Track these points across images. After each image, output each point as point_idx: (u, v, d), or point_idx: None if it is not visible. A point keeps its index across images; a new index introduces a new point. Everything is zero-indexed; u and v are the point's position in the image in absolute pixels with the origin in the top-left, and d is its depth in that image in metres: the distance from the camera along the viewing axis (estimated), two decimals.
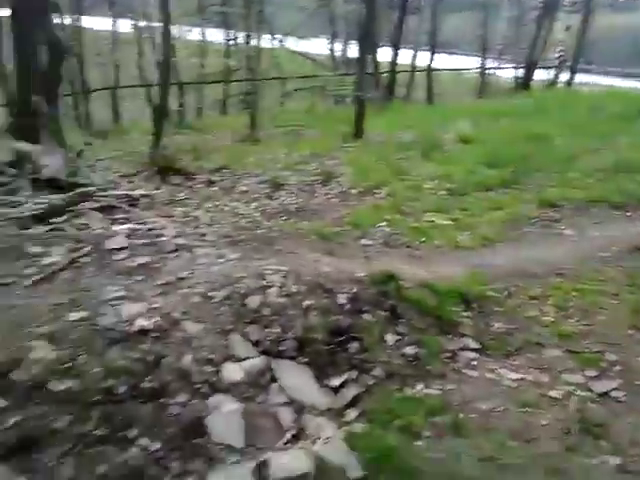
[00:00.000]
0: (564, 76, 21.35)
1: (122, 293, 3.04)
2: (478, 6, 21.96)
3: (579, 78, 24.32)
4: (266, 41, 16.43)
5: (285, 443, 2.59)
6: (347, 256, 4.34)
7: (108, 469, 2.31)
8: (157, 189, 6.80)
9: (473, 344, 3.40)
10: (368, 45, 12.35)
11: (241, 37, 18.53)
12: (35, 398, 2.46)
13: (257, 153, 9.72)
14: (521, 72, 20.12)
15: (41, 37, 5.91)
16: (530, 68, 19.94)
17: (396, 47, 17.10)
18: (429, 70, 19.00)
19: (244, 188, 7.36)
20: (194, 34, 18.39)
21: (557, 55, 21.08)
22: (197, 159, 9.20)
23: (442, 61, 23.64)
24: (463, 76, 23.11)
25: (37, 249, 3.61)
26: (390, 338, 3.25)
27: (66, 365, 2.56)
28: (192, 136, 12.47)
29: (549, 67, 21.73)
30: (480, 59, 20.90)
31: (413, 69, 19.33)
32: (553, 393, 2.95)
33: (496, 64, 22.89)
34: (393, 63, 17.14)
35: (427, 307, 3.56)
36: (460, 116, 12.07)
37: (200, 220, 5.52)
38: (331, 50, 20.79)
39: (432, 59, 19.12)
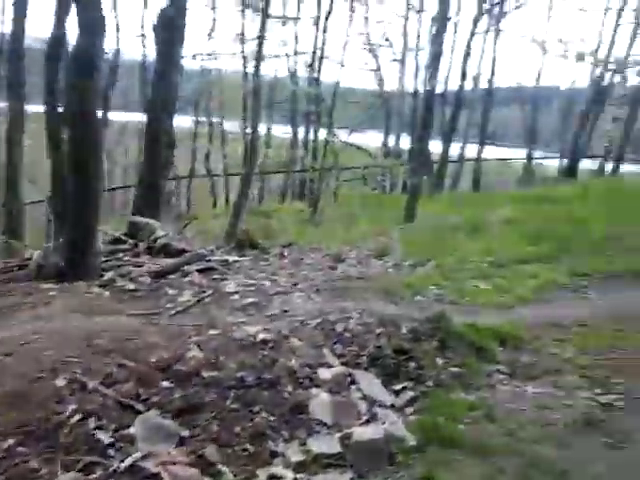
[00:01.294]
0: (610, 166, 22.30)
1: (243, 319, 4.21)
2: (527, 99, 23.32)
3: (628, 168, 25.26)
4: (325, 134, 18.28)
5: (361, 424, 3.60)
6: (406, 306, 5.43)
7: (240, 430, 3.37)
8: (241, 257, 8.13)
9: (504, 369, 4.38)
10: (423, 137, 13.80)
11: (303, 131, 20.64)
12: (192, 382, 3.59)
13: (319, 233, 11.03)
14: (566, 161, 21.16)
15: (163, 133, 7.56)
16: (575, 157, 20.95)
17: (447, 139, 18.60)
18: (477, 160, 20.33)
19: (310, 260, 8.57)
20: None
21: (604, 145, 22.15)
22: (268, 237, 10.57)
23: (490, 152, 25.07)
24: (509, 166, 24.35)
25: (173, 291, 4.86)
26: (440, 360, 4.27)
27: (212, 361, 3.71)
28: (259, 219, 13.98)
29: (595, 157, 22.74)
30: (527, 149, 22.10)
31: (462, 159, 20.71)
32: (566, 401, 3.87)
33: (543, 154, 24.01)
34: (444, 153, 18.57)
35: (470, 341, 4.58)
36: (504, 202, 13.22)
37: (281, 282, 6.72)
38: (384, 142, 22.49)
39: (480, 150, 20.48)
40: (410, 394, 3.92)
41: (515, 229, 10.06)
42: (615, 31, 19.85)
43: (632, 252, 8.31)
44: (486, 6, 18.52)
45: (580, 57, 19.64)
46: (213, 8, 19.50)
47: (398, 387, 3.97)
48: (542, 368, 4.45)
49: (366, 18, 20.62)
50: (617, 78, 20.63)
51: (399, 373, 4.08)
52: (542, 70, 20.59)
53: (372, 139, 23.86)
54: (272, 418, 3.46)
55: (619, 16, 19.71)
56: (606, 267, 7.45)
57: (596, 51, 19.86)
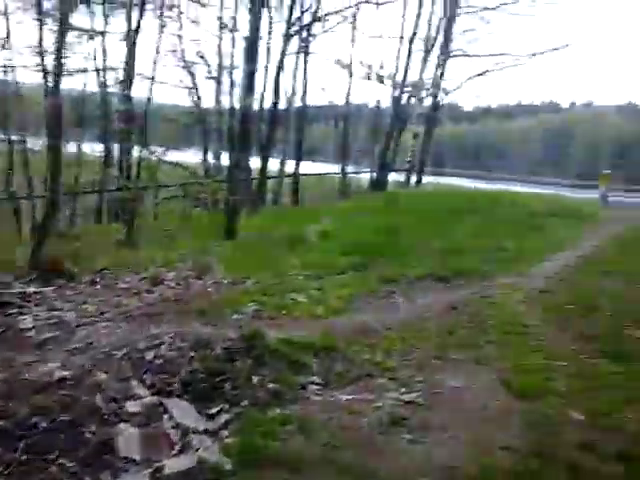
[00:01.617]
0: (417, 177, 24.41)
1: (38, 357, 3.81)
2: (339, 117, 24.60)
3: (431, 178, 27.75)
4: (140, 152, 17.63)
5: (174, 455, 3.43)
6: (222, 326, 5.34)
7: None
8: (45, 287, 7.42)
9: (319, 380, 4.47)
10: (240, 154, 13.82)
11: (117, 148, 19.67)
12: None
13: (136, 255, 10.51)
14: (376, 175, 22.68)
15: None
16: (384, 171, 22.56)
17: (265, 156, 18.91)
18: (295, 175, 20.92)
19: (125, 285, 8.09)
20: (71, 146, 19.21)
21: (408, 159, 24.17)
22: (78, 262, 9.81)
23: (307, 167, 25.95)
24: (326, 180, 25.44)
25: None
26: (255, 378, 4.24)
27: None
28: (69, 243, 12.97)
29: (402, 170, 24.68)
30: (340, 164, 23.24)
31: (281, 175, 21.20)
32: (375, 404, 4.05)
33: (355, 168, 25.42)
34: (263, 170, 18.84)
35: (285, 355, 4.61)
36: (322, 215, 13.74)
37: (89, 311, 6.25)
38: (204, 159, 22.23)
39: (298, 165, 21.12)
40: (225, 417, 3.83)
41: (331, 241, 10.48)
42: (409, 57, 21.86)
43: (435, 256, 9.10)
44: (295, 28, 19.22)
45: (380, 79, 21.28)
46: (6, 14, 17.80)
47: (213, 411, 3.86)
48: (354, 374, 4.63)
49: (179, 36, 20.26)
50: (413, 99, 22.68)
51: (214, 396, 3.98)
52: (351, 90, 21.86)
53: (192, 156, 23.50)
54: (71, 464, 3.17)
55: (411, 43, 21.71)
56: (412, 271, 8.04)
57: (394, 74, 21.66)
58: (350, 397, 4.20)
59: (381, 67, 21.70)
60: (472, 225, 11.90)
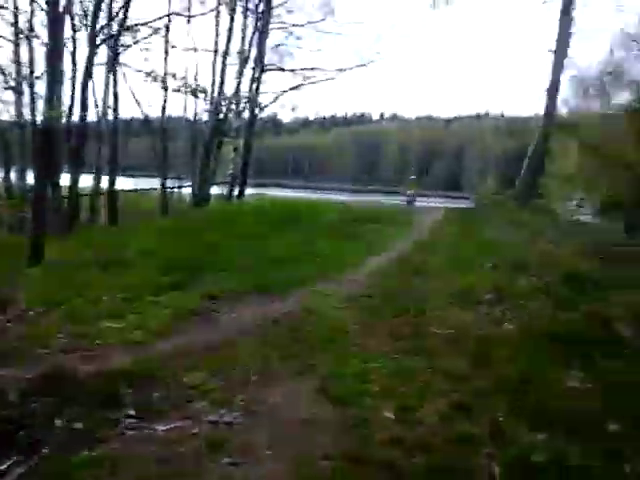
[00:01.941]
0: (239, 190, 24.42)
1: None
2: (156, 131, 23.74)
3: (255, 190, 27.98)
4: None
5: None
6: (22, 366, 4.79)
7: None
8: None
9: (134, 412, 4.18)
10: (46, 170, 12.69)
11: None
12: None
13: None
14: (197, 189, 22.30)
15: None
16: (206, 185, 22.29)
17: (75, 172, 17.59)
18: (111, 192, 19.77)
19: None
20: None
21: (229, 172, 24.12)
22: None
23: (126, 183, 24.74)
24: (146, 196, 24.51)
25: None
26: (58, 421, 3.84)
27: None
28: None
29: (223, 183, 24.58)
30: (160, 179, 22.47)
31: (94, 192, 19.94)
32: (192, 430, 3.89)
33: (177, 183, 24.78)
34: (72, 187, 17.52)
35: (96, 390, 4.25)
36: (142, 233, 13.15)
37: None
38: (5, 177, 20.18)
39: (113, 182, 19.97)
40: (19, 471, 3.39)
41: (151, 259, 10.02)
42: (223, 70, 21.92)
43: (257, 269, 9.12)
44: (102, 37, 18.25)
45: (194, 93, 21.04)
46: None
47: (3, 467, 3.40)
48: (173, 401, 4.40)
49: None
50: (231, 113, 22.74)
51: (4, 449, 3.52)
52: (167, 103, 21.25)
53: None
54: None
55: (225, 57, 21.79)
56: (234, 286, 7.97)
57: (210, 88, 21.58)
58: (168, 427, 3.98)
59: (195, 80, 21.47)
60: (293, 235, 12.18)
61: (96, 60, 18.06)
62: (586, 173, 25.07)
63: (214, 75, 21.85)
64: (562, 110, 27.02)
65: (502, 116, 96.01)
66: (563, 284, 8.34)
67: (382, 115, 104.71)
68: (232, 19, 22.14)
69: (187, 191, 23.90)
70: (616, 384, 4.64)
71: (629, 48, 23.11)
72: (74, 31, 17.79)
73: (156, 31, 20.03)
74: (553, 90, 24.88)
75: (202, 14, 21.80)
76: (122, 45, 19.37)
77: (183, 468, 3.41)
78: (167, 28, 20.94)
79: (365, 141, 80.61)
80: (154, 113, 23.12)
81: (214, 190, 23.54)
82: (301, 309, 6.98)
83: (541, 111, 25.57)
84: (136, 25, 19.26)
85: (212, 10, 21.55)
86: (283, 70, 24.14)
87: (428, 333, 6.14)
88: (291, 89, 24.09)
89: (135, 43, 19.62)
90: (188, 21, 21.58)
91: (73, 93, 17.89)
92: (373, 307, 7.11)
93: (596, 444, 3.61)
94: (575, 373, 4.94)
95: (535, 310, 7.06)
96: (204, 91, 21.15)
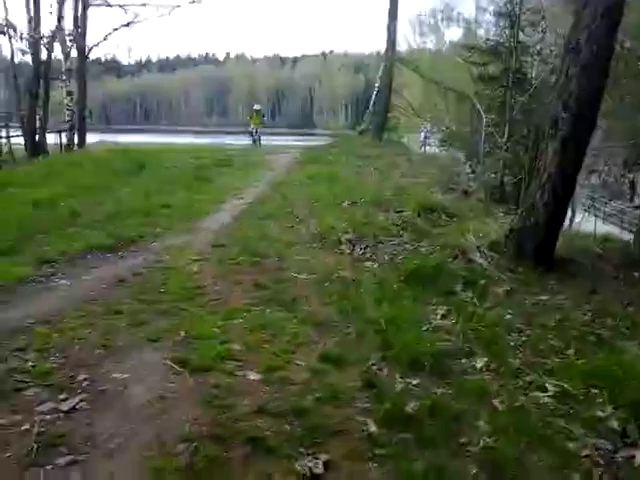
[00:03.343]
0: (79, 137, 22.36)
1: None
2: None
3: (99, 137, 25.88)
4: None
5: None
6: None
7: None
8: None
9: None
10: None
11: None
12: None
13: None
14: (30, 139, 20.13)
15: None
16: (37, 134, 20.16)
17: None
18: None
19: None
20: None
21: (67, 119, 21.95)
22: None
23: None
24: None
25: None
26: None
27: None
28: None
29: (60, 130, 22.39)
30: None
31: None
32: (25, 425, 3.26)
33: (2, 132, 22.14)
34: None
35: None
36: None
37: None
38: None
39: None
40: None
41: None
42: (37, 5, 19.58)
43: (100, 225, 8.25)
44: None
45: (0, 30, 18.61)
46: None
47: None
48: None
49: None
50: (54, 53, 20.47)
51: None
52: None
53: None
54: None
55: None
56: (75, 246, 7.09)
57: (28, 26, 19.19)
58: None
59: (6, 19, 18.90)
60: (139, 185, 11.24)
61: None
62: (430, 106, 25.98)
63: (28, 12, 19.42)
64: (402, 46, 27.62)
65: (346, 54, 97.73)
66: (419, 217, 8.45)
67: (228, 54, 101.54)
68: None
69: (19, 141, 21.40)
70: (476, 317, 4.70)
71: None
72: None
73: None
74: (392, 27, 25.05)
75: None
76: None
77: (11, 475, 2.83)
78: None
79: (212, 82, 78.01)
80: None
81: (52, 139, 21.32)
82: (151, 266, 6.38)
83: (382, 49, 25.85)
84: None
85: None
86: (110, 6, 22.04)
87: (290, 279, 5.87)
88: (123, 26, 22.14)
89: None
90: None
91: None
92: (231, 257, 6.67)
93: (465, 384, 3.56)
94: (440, 309, 4.93)
95: (395, 246, 7.06)
96: (12, 26, 18.66)
